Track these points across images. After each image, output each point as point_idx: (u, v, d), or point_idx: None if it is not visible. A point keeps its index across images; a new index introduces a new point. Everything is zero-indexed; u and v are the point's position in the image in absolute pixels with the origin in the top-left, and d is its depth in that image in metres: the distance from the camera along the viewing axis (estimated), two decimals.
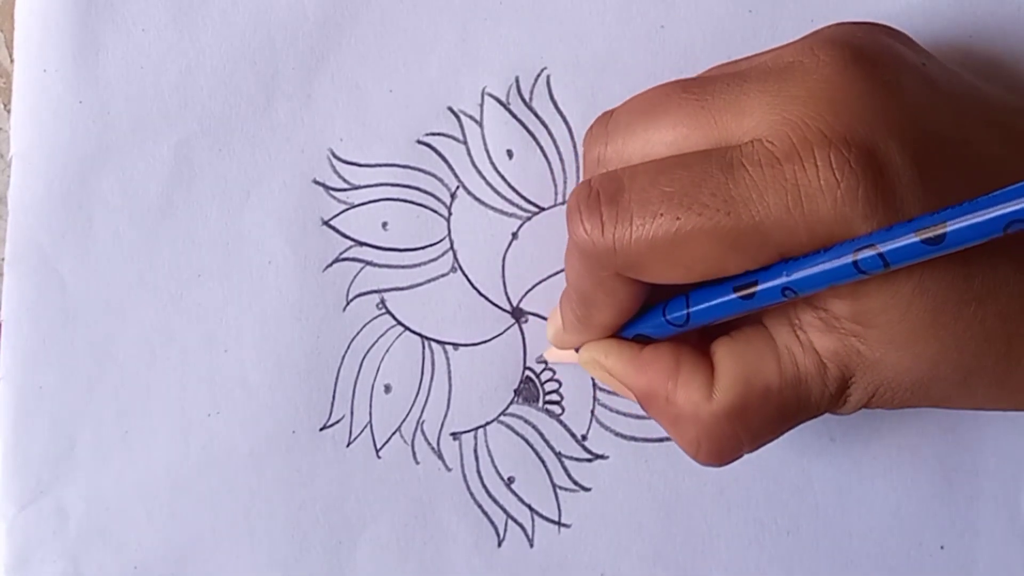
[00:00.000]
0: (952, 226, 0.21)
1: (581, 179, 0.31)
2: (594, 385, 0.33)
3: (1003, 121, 0.27)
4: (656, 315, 0.28)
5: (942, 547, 0.34)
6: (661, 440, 0.33)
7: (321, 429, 0.33)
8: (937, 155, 0.25)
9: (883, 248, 0.23)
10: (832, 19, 0.28)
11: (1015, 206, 0.20)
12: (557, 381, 0.33)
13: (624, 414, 0.33)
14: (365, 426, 0.33)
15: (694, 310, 0.27)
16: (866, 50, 0.25)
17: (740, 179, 0.24)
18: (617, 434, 0.33)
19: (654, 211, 0.24)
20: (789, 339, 0.27)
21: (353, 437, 0.33)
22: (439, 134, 0.33)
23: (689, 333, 0.28)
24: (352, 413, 0.33)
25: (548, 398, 0.33)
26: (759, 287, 0.25)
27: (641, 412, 0.33)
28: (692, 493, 0.34)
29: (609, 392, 0.33)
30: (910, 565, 0.34)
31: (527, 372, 0.33)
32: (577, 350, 0.31)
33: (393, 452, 0.33)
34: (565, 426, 0.33)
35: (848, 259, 0.23)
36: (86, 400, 0.32)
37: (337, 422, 0.33)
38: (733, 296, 0.26)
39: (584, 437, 0.33)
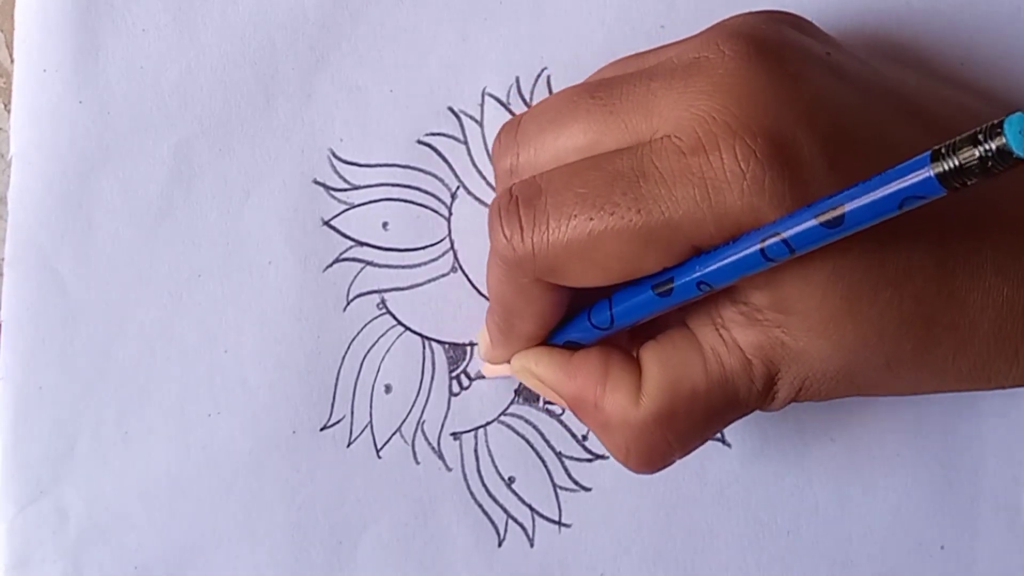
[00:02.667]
0: (849, 207, 0.22)
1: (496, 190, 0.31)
2: None
3: (912, 104, 0.27)
4: (582, 320, 0.28)
5: (942, 547, 0.34)
6: None
7: (321, 429, 0.33)
8: (847, 141, 0.25)
9: (786, 234, 0.23)
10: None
11: (907, 182, 0.20)
12: None
13: None
14: (365, 426, 0.33)
15: (617, 311, 0.27)
16: (770, 42, 0.25)
17: (649, 176, 0.24)
18: None
19: (568, 213, 0.25)
20: (713, 339, 0.27)
21: (353, 437, 0.33)
22: (439, 134, 0.33)
23: (619, 336, 0.29)
24: (352, 413, 0.33)
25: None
26: (675, 283, 0.25)
27: None
28: (692, 493, 0.34)
29: None
30: (910, 565, 0.34)
31: None
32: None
33: (393, 452, 0.33)
34: (565, 426, 0.33)
35: (755, 248, 0.23)
36: (86, 400, 0.32)
37: (337, 422, 0.33)
38: (652, 294, 0.26)
39: (584, 437, 0.33)
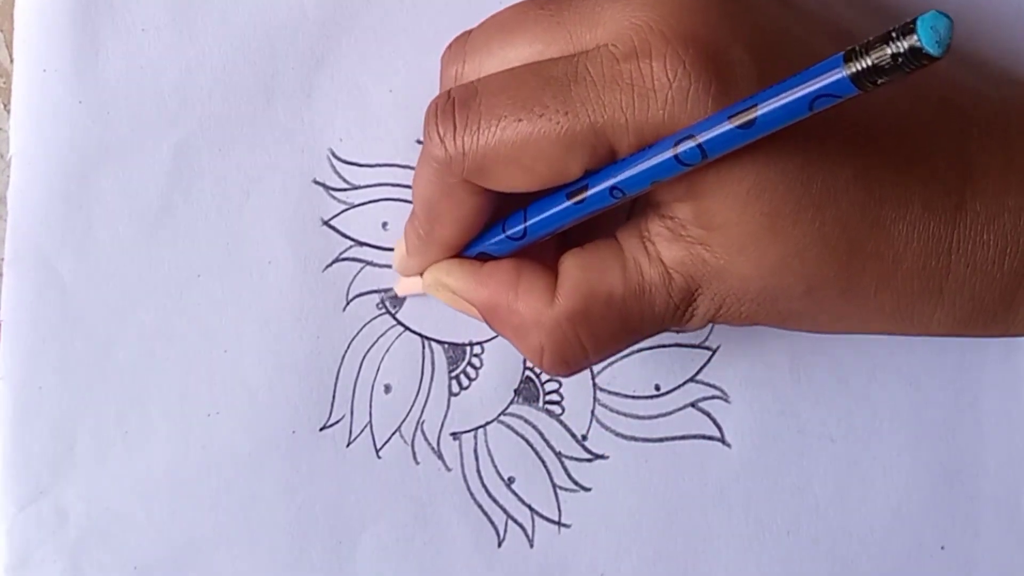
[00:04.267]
0: (762, 109, 0.22)
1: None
2: (594, 385, 0.33)
3: (850, 35, 0.27)
4: (496, 231, 0.28)
5: (943, 547, 0.34)
6: (661, 440, 0.33)
7: (321, 429, 0.33)
8: (780, 61, 0.25)
9: (701, 137, 0.23)
10: None
11: (820, 83, 0.21)
12: (557, 381, 0.33)
13: (624, 414, 0.33)
14: (365, 426, 0.33)
15: (531, 222, 0.27)
16: None
17: (581, 80, 0.24)
18: (617, 434, 0.33)
19: (499, 114, 0.25)
20: (637, 250, 0.27)
21: (353, 437, 0.33)
22: None
23: (542, 251, 0.29)
24: (352, 413, 0.33)
25: (548, 398, 0.33)
26: (589, 191, 0.25)
27: (642, 412, 0.33)
28: (692, 493, 0.34)
29: (610, 392, 0.33)
30: (910, 565, 0.34)
31: (527, 372, 0.33)
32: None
33: (393, 452, 0.33)
34: (565, 426, 0.33)
35: (669, 153, 0.23)
36: (86, 400, 0.32)
37: (337, 422, 0.33)
38: (567, 203, 0.26)
39: (584, 437, 0.33)
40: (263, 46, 0.33)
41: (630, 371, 0.33)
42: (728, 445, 0.34)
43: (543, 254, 0.29)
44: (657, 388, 0.34)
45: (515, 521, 0.33)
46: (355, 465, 0.33)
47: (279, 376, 0.33)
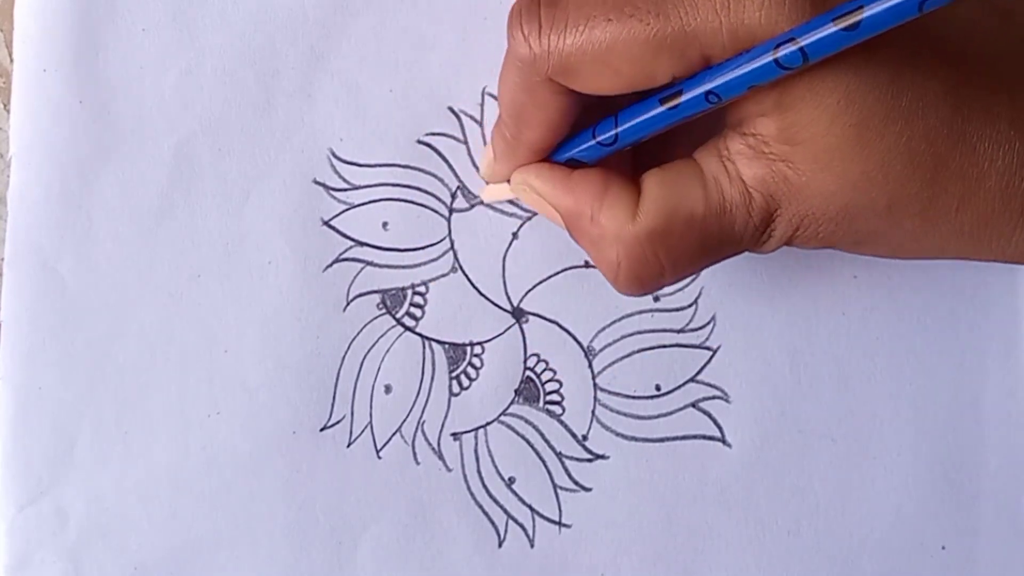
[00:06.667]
0: (869, 11, 0.22)
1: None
2: (595, 386, 0.33)
3: None
4: (586, 136, 0.28)
5: (943, 547, 0.34)
6: (662, 440, 0.33)
7: (321, 430, 0.33)
8: None
9: (803, 41, 0.23)
10: None
11: None
12: (558, 381, 0.33)
13: (625, 414, 0.33)
14: (365, 426, 0.33)
15: (623, 127, 0.27)
16: None
17: None
18: (618, 434, 0.33)
19: (588, 13, 0.25)
20: (717, 169, 0.27)
21: (353, 438, 0.33)
22: (439, 134, 0.33)
23: (622, 165, 0.29)
24: (352, 414, 0.33)
25: (548, 398, 0.33)
26: (684, 97, 0.25)
27: (642, 412, 0.33)
28: (692, 493, 0.34)
29: (610, 392, 0.33)
30: (911, 565, 0.34)
31: (527, 372, 0.33)
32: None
33: (394, 452, 0.33)
34: (566, 426, 0.33)
35: (769, 57, 0.23)
36: (86, 400, 0.32)
37: (337, 423, 0.33)
38: (660, 109, 0.26)
39: (585, 437, 0.33)
40: (263, 46, 0.33)
41: (631, 371, 0.33)
42: (728, 445, 0.34)
43: (622, 169, 0.29)
44: (658, 388, 0.34)
45: (516, 521, 0.33)
46: (355, 465, 0.33)
47: (279, 376, 0.33)
